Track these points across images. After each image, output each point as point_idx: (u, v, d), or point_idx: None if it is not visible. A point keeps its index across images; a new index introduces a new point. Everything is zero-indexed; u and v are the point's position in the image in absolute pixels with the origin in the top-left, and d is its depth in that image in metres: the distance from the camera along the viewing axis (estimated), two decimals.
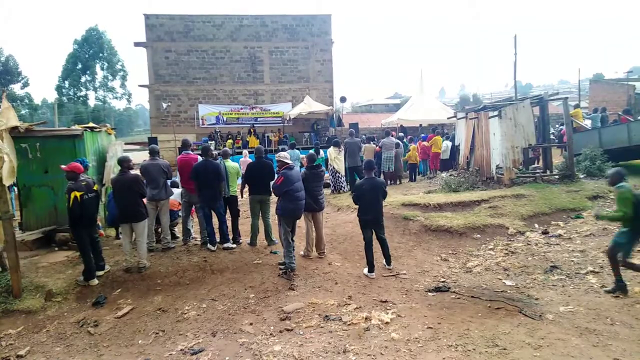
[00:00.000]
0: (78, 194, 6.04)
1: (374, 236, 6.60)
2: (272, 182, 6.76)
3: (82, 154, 7.95)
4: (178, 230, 8.22)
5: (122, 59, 56.93)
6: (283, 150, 12.37)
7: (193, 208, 7.89)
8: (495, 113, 11.02)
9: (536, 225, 8.38)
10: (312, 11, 26.06)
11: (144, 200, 6.93)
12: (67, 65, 52.29)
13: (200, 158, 7.59)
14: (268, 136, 22.31)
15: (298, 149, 14.48)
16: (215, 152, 8.06)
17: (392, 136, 13.71)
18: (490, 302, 5.23)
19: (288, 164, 6.61)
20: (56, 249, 7.75)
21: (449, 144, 14.44)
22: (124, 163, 6.76)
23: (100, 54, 54.58)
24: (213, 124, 24.07)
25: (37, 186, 8.01)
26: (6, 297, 5.76)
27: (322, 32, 25.15)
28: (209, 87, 24.54)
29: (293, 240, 6.62)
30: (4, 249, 6.07)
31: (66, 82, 53.08)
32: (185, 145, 7.99)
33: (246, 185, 7.73)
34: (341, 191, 12.48)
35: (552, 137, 14.02)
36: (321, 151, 13.92)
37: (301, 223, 7.24)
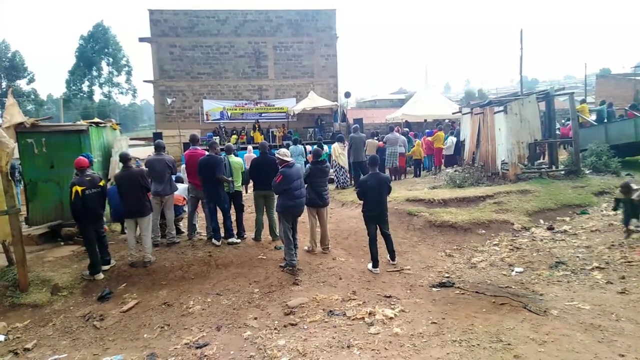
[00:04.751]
0: (79, 188, 6.06)
1: (378, 231, 6.59)
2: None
3: (88, 149, 7.99)
4: (183, 225, 8.25)
5: (127, 54, 56.99)
6: (287, 145, 12.44)
7: (200, 203, 7.91)
8: (501, 108, 10.94)
9: (541, 221, 8.34)
10: (317, 6, 26.02)
11: (149, 194, 6.95)
12: (79, 63, 52.42)
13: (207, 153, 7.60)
14: (272, 131, 22.26)
15: (303, 144, 14.47)
16: (219, 148, 8.08)
17: (397, 132, 13.65)
18: (494, 298, 5.22)
19: (287, 161, 6.59)
20: (62, 243, 7.81)
21: (454, 139, 14.36)
22: (126, 159, 6.78)
23: (106, 50, 54.61)
24: (217, 120, 24.09)
25: (43, 181, 8.07)
26: (13, 291, 5.82)
27: (326, 27, 25.06)
28: (213, 82, 24.56)
29: (295, 238, 6.58)
30: (10, 243, 6.12)
31: (72, 78, 53.20)
32: (193, 141, 8.00)
33: (250, 181, 7.74)
34: (345, 187, 12.48)
35: (557, 132, 13.92)
36: (325, 146, 13.90)
37: (305, 218, 7.25)
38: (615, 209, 7.37)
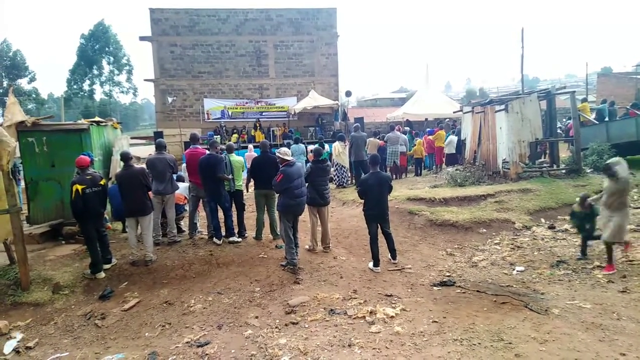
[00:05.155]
0: (80, 187, 6.06)
1: (380, 230, 6.59)
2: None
3: (89, 148, 7.99)
4: (184, 224, 8.26)
5: (127, 53, 56.99)
6: (288, 145, 12.43)
7: (201, 202, 7.92)
8: (502, 107, 10.92)
9: (542, 220, 8.34)
10: (318, 4, 26.00)
11: (150, 193, 6.95)
12: (80, 62, 52.43)
13: (208, 152, 7.60)
14: (273, 130, 22.23)
15: (304, 143, 14.46)
16: (220, 147, 8.10)
17: (398, 130, 13.64)
18: (495, 297, 5.22)
19: (288, 160, 6.57)
20: (63, 242, 7.81)
21: (454, 138, 14.35)
22: (127, 158, 6.78)
23: (107, 49, 54.61)
24: (218, 118, 24.10)
25: (44, 180, 8.06)
26: (15, 290, 5.83)
27: (327, 25, 25.04)
28: (214, 81, 24.57)
29: (295, 237, 6.57)
30: (12, 242, 6.12)
31: (72, 77, 53.22)
32: (193, 139, 8.00)
33: (251, 180, 7.75)
34: (344, 185, 12.47)
35: (559, 131, 13.89)
36: (326, 145, 13.89)
37: (306, 217, 7.25)
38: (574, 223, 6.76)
